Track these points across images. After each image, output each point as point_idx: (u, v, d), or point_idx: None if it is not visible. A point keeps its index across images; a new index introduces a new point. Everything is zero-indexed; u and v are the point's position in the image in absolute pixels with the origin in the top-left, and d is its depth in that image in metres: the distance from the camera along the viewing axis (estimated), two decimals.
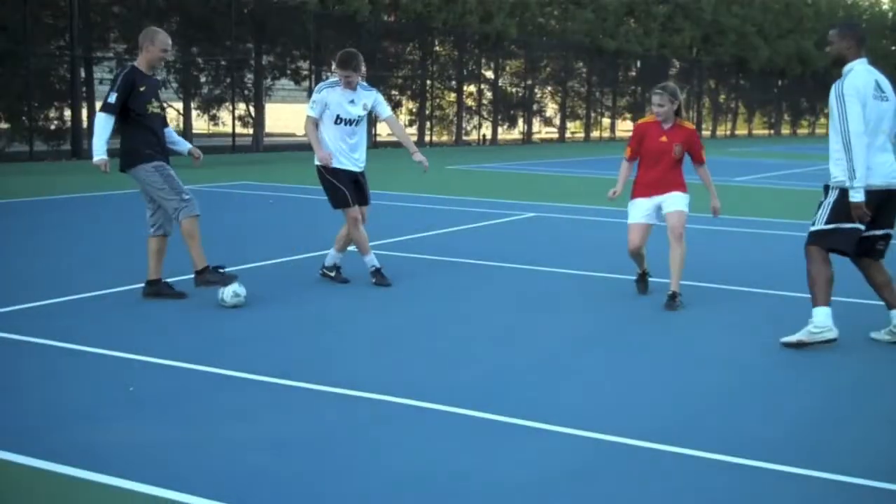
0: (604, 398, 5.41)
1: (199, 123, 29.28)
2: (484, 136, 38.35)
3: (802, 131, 64.44)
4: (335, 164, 8.19)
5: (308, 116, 8.32)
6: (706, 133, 54.64)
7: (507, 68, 39.97)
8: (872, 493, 4.21)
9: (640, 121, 8.35)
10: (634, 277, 8.46)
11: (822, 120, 67.02)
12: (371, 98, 8.45)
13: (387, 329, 6.93)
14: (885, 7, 73.83)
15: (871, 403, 5.52)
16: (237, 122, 28.07)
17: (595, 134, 44.88)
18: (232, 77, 28.00)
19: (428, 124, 35.45)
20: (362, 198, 8.41)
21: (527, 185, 19.26)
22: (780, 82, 60.16)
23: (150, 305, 7.35)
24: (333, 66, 8.38)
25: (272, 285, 8.29)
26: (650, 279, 8.41)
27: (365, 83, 8.55)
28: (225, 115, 28.50)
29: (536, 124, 42.43)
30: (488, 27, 35.19)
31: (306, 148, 29.00)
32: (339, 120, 8.22)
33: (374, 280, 8.40)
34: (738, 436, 4.81)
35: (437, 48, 36.21)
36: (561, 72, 41.73)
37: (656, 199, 7.98)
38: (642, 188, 8.04)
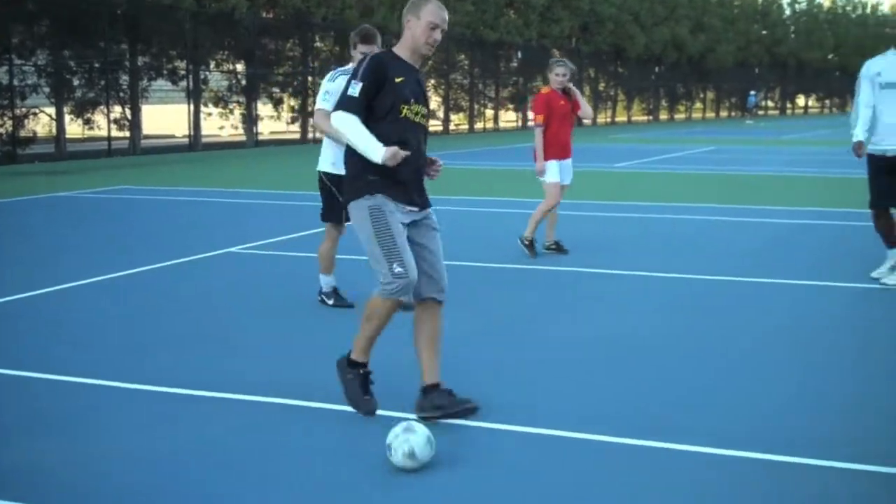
0: (506, 384, 5.36)
1: (73, 128, 28.36)
2: None
3: (680, 116, 65.94)
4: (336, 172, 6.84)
5: (318, 110, 7.01)
6: (586, 122, 55.34)
7: None
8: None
9: (542, 91, 9.68)
10: (529, 254, 9.48)
11: (698, 104, 68.81)
12: None
13: (270, 330, 6.75)
14: None
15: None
16: (113, 126, 27.28)
17: (479, 125, 45.11)
18: (106, 79, 27.20)
19: (311, 121, 35.04)
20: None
21: None
22: (657, 69, 61.45)
23: (58, 313, 7.03)
24: (354, 44, 6.98)
25: (160, 292, 8.03)
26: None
27: None
28: (100, 118, 27.64)
29: None
30: (369, 21, 34.99)
31: (185, 149, 28.71)
32: None
33: (330, 301, 7.47)
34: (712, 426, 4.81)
35: (318, 44, 35.87)
36: (443, 64, 41.81)
37: (565, 162, 9.58)
38: (558, 150, 9.47)
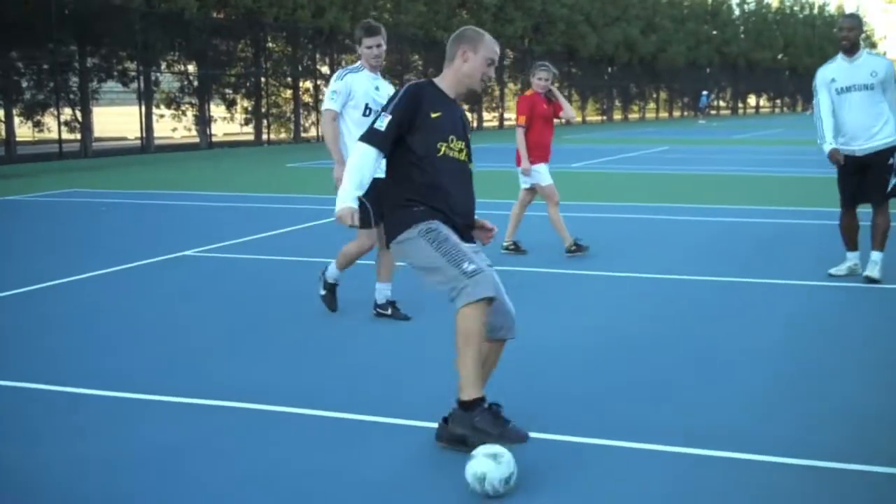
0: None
1: (23, 130, 27.94)
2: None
3: (633, 116, 66.41)
4: None
5: (326, 111, 6.81)
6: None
7: (343, 63, 39.71)
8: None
9: (525, 93, 9.87)
10: (581, 253, 9.52)
11: (651, 105, 69.36)
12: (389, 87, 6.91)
13: (225, 334, 6.69)
14: None
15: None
16: (63, 128, 26.90)
17: None
18: (55, 81, 26.82)
19: (265, 122, 34.88)
20: None
21: None
22: (609, 69, 61.83)
23: (7, 318, 6.91)
24: (359, 39, 6.72)
25: (113, 296, 7.93)
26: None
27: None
28: (50, 120, 27.23)
29: None
30: (321, 21, 34.86)
31: (137, 151, 28.41)
32: (367, 111, 6.71)
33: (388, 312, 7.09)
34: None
35: (270, 44, 35.64)
36: (397, 65, 41.76)
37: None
38: (541, 152, 9.68)
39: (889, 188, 8.05)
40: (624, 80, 64.04)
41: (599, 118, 62.34)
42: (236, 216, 13.17)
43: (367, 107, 6.67)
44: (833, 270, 8.44)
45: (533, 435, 4.51)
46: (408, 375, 5.70)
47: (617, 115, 64.08)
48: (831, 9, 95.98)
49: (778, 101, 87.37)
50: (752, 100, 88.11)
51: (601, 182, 18.61)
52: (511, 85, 54.31)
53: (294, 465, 4.28)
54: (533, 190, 9.89)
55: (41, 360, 6.01)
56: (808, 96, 72.81)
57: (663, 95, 71.94)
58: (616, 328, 6.79)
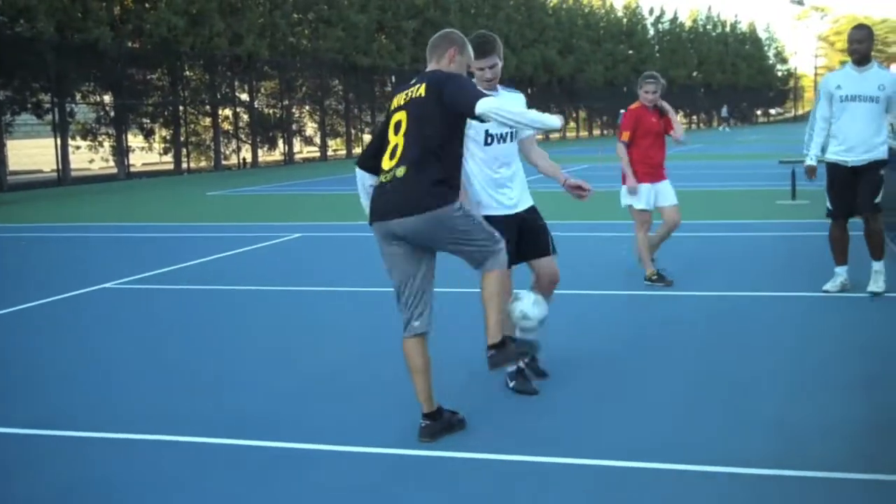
0: (398, 413, 5.29)
1: None
2: (244, 159, 37.68)
3: (554, 136, 66.98)
4: (485, 211, 5.50)
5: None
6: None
7: (263, 90, 39.48)
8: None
9: (631, 107, 8.90)
10: (664, 284, 8.73)
11: (572, 124, 70.14)
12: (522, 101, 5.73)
13: (158, 364, 6.54)
14: (620, 14, 78.03)
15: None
16: None
17: (357, 150, 45.01)
18: None
19: (184, 151, 34.48)
20: (536, 247, 5.74)
21: (291, 206, 19.01)
22: (529, 90, 62.42)
23: None
24: (469, 58, 5.07)
25: (32, 332, 7.71)
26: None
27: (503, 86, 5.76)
28: None
29: (297, 144, 42.10)
30: (239, 49, 34.64)
31: (54, 184, 27.84)
32: (490, 139, 5.56)
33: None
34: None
35: (188, 72, 35.28)
36: (317, 90, 41.64)
37: (659, 185, 8.85)
38: (647, 171, 8.79)
39: (878, 198, 7.91)
40: (543, 101, 64.66)
41: None
42: (157, 247, 12.94)
43: (488, 133, 5.50)
44: (829, 286, 8.21)
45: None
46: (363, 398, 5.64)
47: (539, 136, 64.51)
48: (743, 27, 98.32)
49: (694, 118, 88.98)
50: None
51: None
52: None
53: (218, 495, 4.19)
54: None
55: None
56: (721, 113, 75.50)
57: (583, 115, 72.81)
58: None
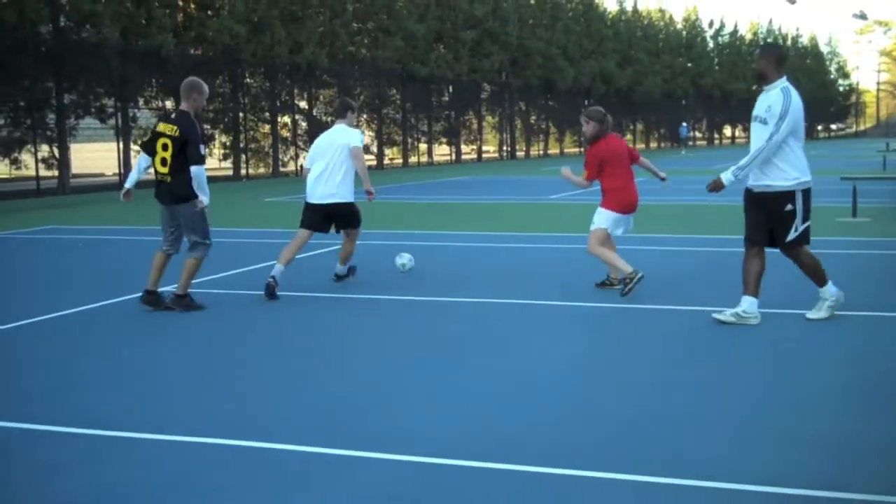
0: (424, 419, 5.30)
1: (0, 168, 27.81)
2: (301, 167, 37.94)
3: None
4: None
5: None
6: (521, 154, 55.89)
7: (321, 98, 39.81)
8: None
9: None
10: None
11: (629, 136, 69.80)
12: None
13: (208, 369, 6.63)
14: (679, 26, 77.58)
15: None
16: (41, 165, 26.81)
17: (413, 159, 45.22)
18: (32, 118, 26.73)
19: (243, 157, 34.87)
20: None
21: None
22: (586, 101, 62.22)
23: None
24: None
25: (86, 332, 7.85)
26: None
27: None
28: (27, 157, 27.14)
29: None
30: (299, 57, 34.97)
31: (115, 187, 28.22)
32: None
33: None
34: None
35: (248, 80, 35.70)
36: (375, 99, 41.88)
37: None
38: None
39: (793, 235, 7.67)
40: None
41: (578, 150, 62.65)
42: (214, 251, 13.07)
43: None
44: (812, 315, 7.99)
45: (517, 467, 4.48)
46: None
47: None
48: (804, 40, 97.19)
49: None
50: (727, 130, 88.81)
51: (579, 214, 18.61)
52: (489, 118, 54.59)
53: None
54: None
55: (15, 400, 5.94)
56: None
57: (640, 127, 72.43)
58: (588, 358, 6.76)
